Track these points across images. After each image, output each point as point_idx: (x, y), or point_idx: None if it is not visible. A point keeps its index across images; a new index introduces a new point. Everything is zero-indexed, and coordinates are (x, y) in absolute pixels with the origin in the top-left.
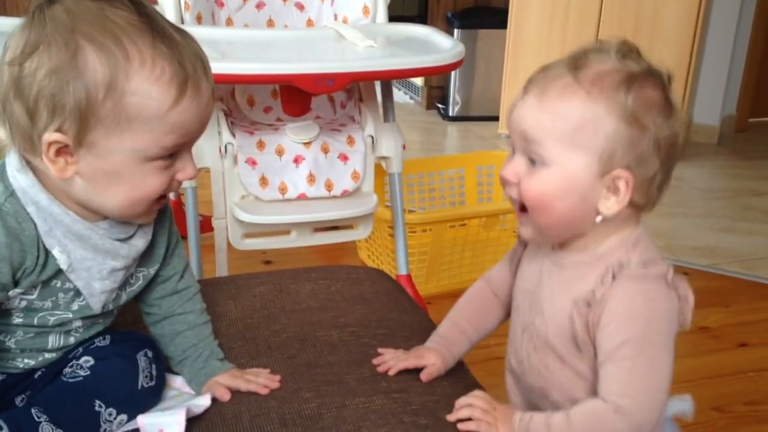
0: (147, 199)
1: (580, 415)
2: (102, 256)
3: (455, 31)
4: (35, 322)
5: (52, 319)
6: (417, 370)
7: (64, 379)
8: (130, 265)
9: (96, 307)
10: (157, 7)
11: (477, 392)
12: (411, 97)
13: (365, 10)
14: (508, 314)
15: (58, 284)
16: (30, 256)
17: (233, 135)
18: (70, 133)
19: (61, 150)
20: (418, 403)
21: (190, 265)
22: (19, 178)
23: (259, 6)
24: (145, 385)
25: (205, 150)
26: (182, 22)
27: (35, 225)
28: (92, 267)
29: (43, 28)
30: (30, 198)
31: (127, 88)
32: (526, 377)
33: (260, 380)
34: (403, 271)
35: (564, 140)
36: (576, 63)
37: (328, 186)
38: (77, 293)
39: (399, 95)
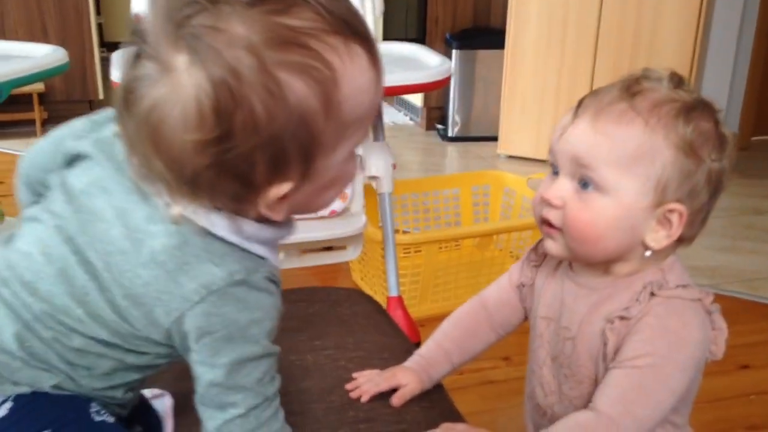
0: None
1: (562, 427)
2: None
3: (454, 51)
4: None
5: None
6: (391, 393)
7: None
8: None
9: None
10: None
11: (453, 425)
12: (411, 118)
13: None
14: (498, 339)
15: None
16: None
17: None
18: (295, 176)
19: (285, 196)
20: None
21: None
22: (250, 233)
23: None
24: None
25: None
26: None
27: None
28: None
29: (227, 86)
30: (264, 242)
31: (341, 98)
32: (556, 409)
33: None
34: (393, 293)
35: (620, 167)
36: (631, 90)
37: None
38: None
39: (399, 116)
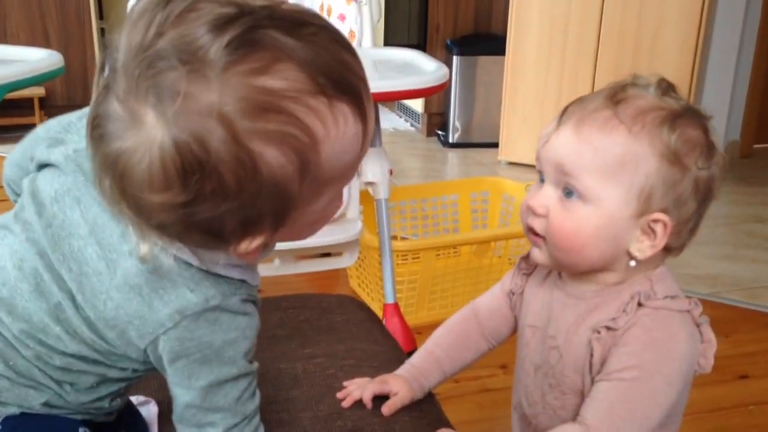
0: None
1: None
2: None
3: (454, 57)
4: None
5: None
6: (380, 403)
7: None
8: None
9: None
10: None
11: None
12: (411, 124)
13: (351, 35)
14: (489, 348)
15: None
16: None
17: None
18: (268, 231)
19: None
20: None
21: None
22: (224, 262)
23: None
24: None
25: None
26: None
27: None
28: None
29: (195, 156)
30: (240, 266)
31: (320, 162)
32: (540, 419)
33: None
34: (390, 300)
35: (603, 175)
36: (615, 97)
37: None
38: None
39: (400, 122)
